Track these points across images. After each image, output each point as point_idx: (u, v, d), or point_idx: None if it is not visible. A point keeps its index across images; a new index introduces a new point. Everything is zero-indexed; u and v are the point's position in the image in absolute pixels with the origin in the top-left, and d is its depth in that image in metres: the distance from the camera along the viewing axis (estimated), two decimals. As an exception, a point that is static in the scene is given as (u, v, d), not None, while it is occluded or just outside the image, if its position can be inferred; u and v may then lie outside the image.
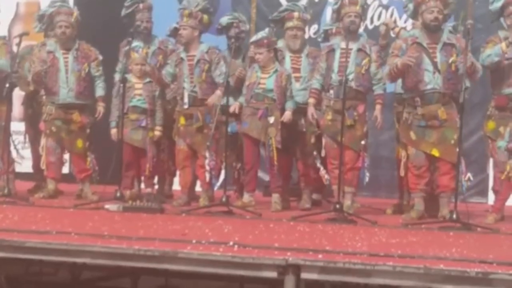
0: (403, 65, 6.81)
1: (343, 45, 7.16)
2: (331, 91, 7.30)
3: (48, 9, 8.30)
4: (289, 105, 7.55)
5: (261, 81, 7.57)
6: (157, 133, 7.96)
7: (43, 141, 8.18)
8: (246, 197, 7.62)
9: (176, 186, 8.40)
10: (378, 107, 7.27)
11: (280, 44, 7.83)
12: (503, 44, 7.02)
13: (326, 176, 7.55)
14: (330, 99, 7.31)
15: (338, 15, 7.52)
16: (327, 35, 8.30)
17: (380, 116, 7.22)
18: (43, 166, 8.18)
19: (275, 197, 7.60)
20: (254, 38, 7.68)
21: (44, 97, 8.30)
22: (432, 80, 6.88)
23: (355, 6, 7.36)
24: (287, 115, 7.49)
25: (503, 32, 7.19)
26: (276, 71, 7.56)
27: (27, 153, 9.11)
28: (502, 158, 7.06)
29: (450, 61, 6.86)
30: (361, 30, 7.91)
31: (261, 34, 7.63)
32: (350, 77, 7.14)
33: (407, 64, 6.79)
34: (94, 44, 8.32)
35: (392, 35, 7.80)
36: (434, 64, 6.88)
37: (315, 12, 9.26)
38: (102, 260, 5.02)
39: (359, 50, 7.28)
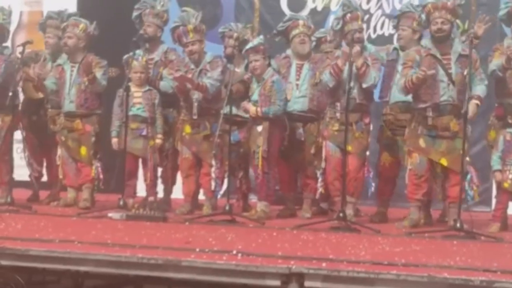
0: (418, 80, 6.75)
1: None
2: (337, 104, 7.26)
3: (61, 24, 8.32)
4: (269, 111, 7.36)
5: (255, 92, 7.54)
6: (158, 141, 7.88)
7: (59, 151, 8.24)
8: (259, 205, 7.56)
9: (176, 194, 8.36)
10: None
11: (288, 52, 7.87)
12: (504, 59, 6.97)
13: (320, 190, 7.52)
14: (336, 111, 7.28)
15: (341, 33, 7.44)
16: (319, 43, 8.25)
17: None
18: (61, 175, 8.24)
19: (263, 205, 7.49)
20: (250, 44, 7.55)
21: (49, 109, 8.34)
22: (446, 92, 6.84)
23: (357, 22, 7.37)
24: (248, 105, 7.38)
25: (508, 40, 7.22)
26: (263, 79, 7.49)
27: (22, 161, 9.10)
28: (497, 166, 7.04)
29: (465, 72, 6.74)
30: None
31: (257, 41, 7.57)
32: (354, 91, 7.10)
33: (423, 79, 6.74)
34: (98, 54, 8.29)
35: None
36: (449, 76, 6.84)
37: (317, 21, 9.23)
38: (105, 268, 5.02)
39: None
